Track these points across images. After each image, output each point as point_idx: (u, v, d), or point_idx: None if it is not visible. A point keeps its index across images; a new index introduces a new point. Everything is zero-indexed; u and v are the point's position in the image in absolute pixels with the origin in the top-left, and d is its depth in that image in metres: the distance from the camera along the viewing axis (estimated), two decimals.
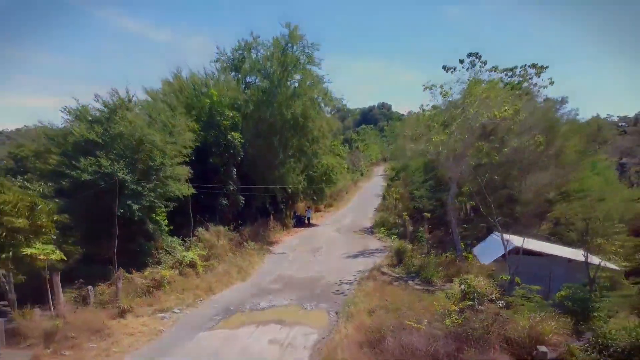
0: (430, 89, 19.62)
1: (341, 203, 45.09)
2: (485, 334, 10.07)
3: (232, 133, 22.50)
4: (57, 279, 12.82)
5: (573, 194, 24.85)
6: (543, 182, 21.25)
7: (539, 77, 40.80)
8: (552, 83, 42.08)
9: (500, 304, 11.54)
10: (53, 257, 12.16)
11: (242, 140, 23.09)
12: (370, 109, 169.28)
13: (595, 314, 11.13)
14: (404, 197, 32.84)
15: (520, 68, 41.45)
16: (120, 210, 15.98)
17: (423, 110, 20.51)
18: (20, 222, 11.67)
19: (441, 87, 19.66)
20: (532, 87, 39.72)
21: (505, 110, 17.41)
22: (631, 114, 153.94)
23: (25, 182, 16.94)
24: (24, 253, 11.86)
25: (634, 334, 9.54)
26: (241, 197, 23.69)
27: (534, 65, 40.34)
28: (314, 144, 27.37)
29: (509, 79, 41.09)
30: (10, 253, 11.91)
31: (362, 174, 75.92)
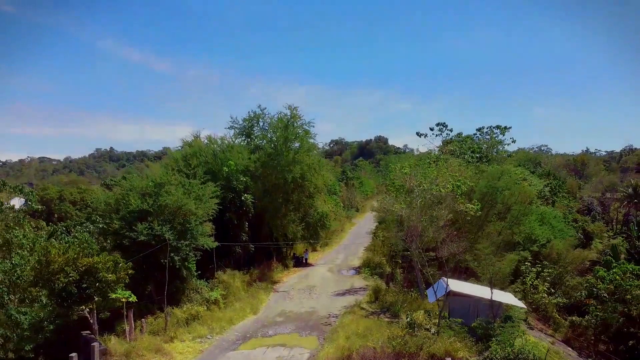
0: (399, 169, 25.87)
1: (336, 240, 50.90)
2: (417, 351, 15.90)
3: (245, 195, 28.72)
4: (131, 314, 18.68)
5: (521, 243, 30.94)
6: (491, 235, 27.32)
7: (503, 135, 47.83)
8: (514, 141, 49.22)
9: (432, 331, 17.40)
10: (130, 299, 18.08)
11: (253, 200, 29.29)
12: (368, 142, 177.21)
13: (494, 338, 16.93)
14: (386, 241, 38.76)
15: (487, 128, 48.51)
16: (164, 261, 21.92)
17: (393, 183, 26.56)
18: (111, 276, 17.61)
19: (405, 166, 25.89)
20: (494, 148, 46.45)
21: (449, 186, 23.54)
22: (618, 149, 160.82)
23: (98, 238, 22.94)
24: (112, 297, 17.76)
25: (509, 350, 15.41)
26: (251, 246, 29.68)
27: (498, 127, 47.37)
28: (311, 199, 33.57)
29: (478, 137, 48.02)
30: (101, 297, 17.84)
31: (357, 210, 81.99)
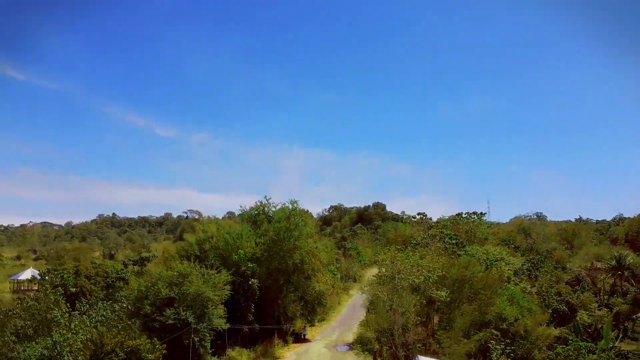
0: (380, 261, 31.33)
1: (333, 314, 54.94)
2: None
3: (252, 279, 33.94)
4: None
5: (492, 321, 35.59)
6: (464, 316, 32.13)
7: (480, 219, 53.77)
8: (489, 227, 55.30)
9: None
10: None
11: (258, 284, 34.43)
12: (366, 208, 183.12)
13: None
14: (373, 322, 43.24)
15: (465, 214, 54.55)
16: (186, 341, 26.74)
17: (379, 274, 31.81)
18: (151, 357, 22.49)
19: (386, 258, 31.33)
20: (472, 232, 52.21)
21: (421, 277, 28.83)
22: (610, 217, 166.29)
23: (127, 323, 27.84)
24: None
25: None
26: (257, 325, 34.39)
27: (475, 213, 53.41)
28: (309, 280, 38.67)
29: (464, 217, 53.89)
30: None
31: (354, 281, 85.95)
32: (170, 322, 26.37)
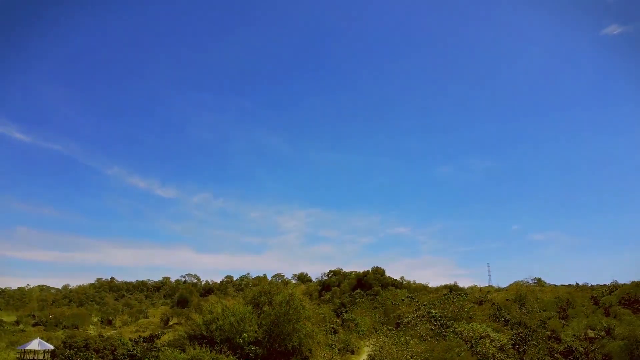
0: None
1: None
2: None
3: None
4: None
5: None
6: None
7: (464, 297, 58.27)
8: (487, 292, 59.64)
9: None
10: None
11: None
12: (365, 273, 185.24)
13: None
14: None
15: (451, 292, 59.11)
16: None
17: None
18: None
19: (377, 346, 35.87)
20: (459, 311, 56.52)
21: None
22: (607, 282, 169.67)
23: None
24: None
25: None
26: None
27: (459, 293, 57.95)
28: None
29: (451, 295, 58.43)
30: None
31: (352, 353, 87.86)
32: None
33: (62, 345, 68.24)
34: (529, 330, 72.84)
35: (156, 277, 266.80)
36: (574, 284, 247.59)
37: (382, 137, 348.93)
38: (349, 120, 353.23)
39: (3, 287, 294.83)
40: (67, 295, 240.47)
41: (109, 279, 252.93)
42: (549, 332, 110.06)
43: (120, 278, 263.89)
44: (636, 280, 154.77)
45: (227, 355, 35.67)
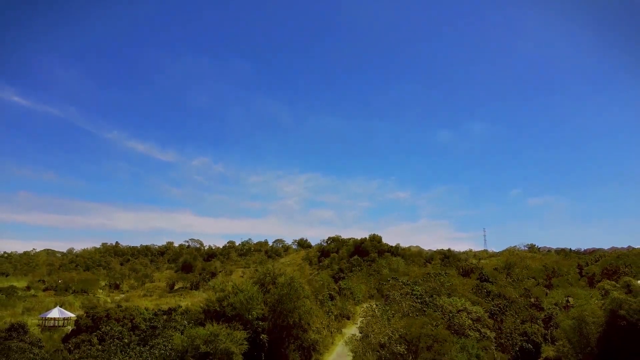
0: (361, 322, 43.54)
1: (326, 354, 66.54)
2: None
3: (262, 335, 46.13)
4: None
5: None
6: None
7: (445, 275, 65.92)
8: (479, 259, 67.37)
9: None
10: None
11: (268, 338, 46.61)
12: (363, 240, 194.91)
13: None
14: None
15: (435, 274, 66.67)
16: None
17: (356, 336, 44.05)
18: None
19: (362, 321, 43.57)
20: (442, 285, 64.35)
21: (385, 337, 41.00)
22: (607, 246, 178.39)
23: None
24: None
25: None
26: None
27: (444, 271, 65.52)
28: (306, 333, 50.80)
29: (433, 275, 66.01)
30: None
31: (348, 318, 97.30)
32: None
33: (85, 315, 76.62)
34: (508, 302, 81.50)
35: (159, 242, 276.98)
36: (567, 249, 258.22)
37: (382, 102, 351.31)
38: (349, 84, 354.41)
39: (9, 252, 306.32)
40: (74, 260, 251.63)
41: (114, 244, 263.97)
42: (532, 300, 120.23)
43: (123, 242, 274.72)
44: (618, 251, 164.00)
45: (239, 330, 43.32)
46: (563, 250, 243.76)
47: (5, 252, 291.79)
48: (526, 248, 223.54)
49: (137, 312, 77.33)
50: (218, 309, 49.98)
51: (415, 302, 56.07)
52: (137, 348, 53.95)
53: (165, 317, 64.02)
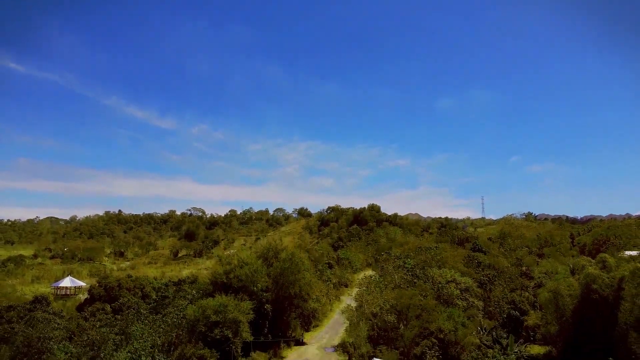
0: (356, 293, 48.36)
1: (325, 321, 72.23)
2: None
3: (266, 305, 51.09)
4: None
5: (434, 332, 52.68)
6: (410, 330, 49.27)
7: (436, 249, 70.47)
8: (475, 228, 72.00)
9: None
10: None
11: (271, 308, 51.59)
12: (362, 210, 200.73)
13: None
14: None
15: (425, 248, 71.18)
16: (227, 348, 43.76)
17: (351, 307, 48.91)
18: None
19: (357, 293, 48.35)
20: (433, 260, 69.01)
21: (377, 307, 45.83)
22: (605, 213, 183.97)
23: None
24: None
25: None
26: (270, 336, 51.66)
27: (434, 246, 70.01)
28: (306, 302, 55.87)
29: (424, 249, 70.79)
30: None
31: (346, 286, 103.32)
32: (217, 337, 43.45)
33: (97, 284, 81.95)
34: (497, 272, 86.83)
35: (162, 210, 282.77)
36: (564, 217, 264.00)
37: (383, 67, 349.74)
38: (349, 49, 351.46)
39: (12, 220, 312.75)
40: (78, 228, 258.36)
41: (117, 212, 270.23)
42: (523, 269, 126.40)
43: (126, 210, 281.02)
44: (613, 221, 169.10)
45: (245, 301, 48.17)
46: (560, 218, 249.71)
47: (8, 220, 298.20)
48: (523, 216, 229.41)
49: (146, 281, 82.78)
50: (225, 281, 54.75)
51: (407, 275, 60.99)
52: (150, 316, 59.19)
53: (174, 287, 69.22)
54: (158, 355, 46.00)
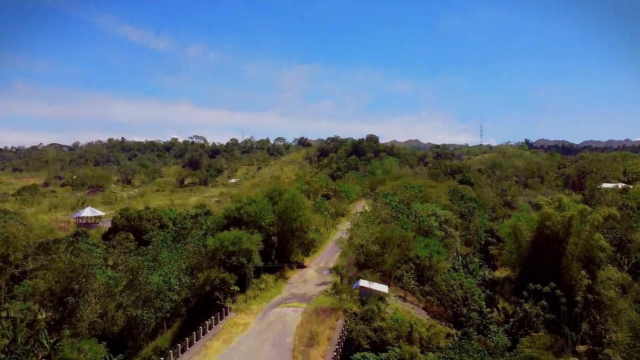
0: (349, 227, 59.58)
1: (323, 247, 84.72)
2: (338, 306, 50.10)
3: (273, 237, 62.55)
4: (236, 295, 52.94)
5: (412, 258, 64.67)
6: (391, 256, 61.15)
7: (418, 192, 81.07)
8: (471, 155, 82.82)
9: (348, 300, 51.59)
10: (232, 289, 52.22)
11: (277, 239, 63.10)
12: (360, 141, 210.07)
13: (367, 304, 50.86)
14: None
15: (413, 188, 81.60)
16: (242, 272, 55.64)
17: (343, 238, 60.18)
18: (232, 281, 51.56)
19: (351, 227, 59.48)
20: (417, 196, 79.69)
21: (364, 240, 57.12)
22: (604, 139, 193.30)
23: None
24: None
25: (372, 306, 49.62)
26: (276, 261, 63.69)
27: (416, 187, 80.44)
28: (306, 234, 67.42)
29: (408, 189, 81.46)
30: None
31: (342, 215, 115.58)
32: (234, 263, 55.08)
33: (119, 216, 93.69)
34: (477, 204, 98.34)
35: (164, 138, 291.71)
36: (562, 142, 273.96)
37: None
38: None
39: (17, 146, 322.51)
40: (83, 155, 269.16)
41: (120, 140, 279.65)
42: (508, 198, 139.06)
43: (127, 137, 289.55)
44: (592, 154, 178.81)
45: (255, 234, 59.45)
46: (556, 145, 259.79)
47: (13, 147, 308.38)
48: (518, 145, 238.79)
49: (163, 212, 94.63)
50: (237, 216, 65.81)
51: (392, 211, 72.06)
52: (173, 245, 71.22)
53: (191, 220, 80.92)
54: (184, 277, 58.22)
